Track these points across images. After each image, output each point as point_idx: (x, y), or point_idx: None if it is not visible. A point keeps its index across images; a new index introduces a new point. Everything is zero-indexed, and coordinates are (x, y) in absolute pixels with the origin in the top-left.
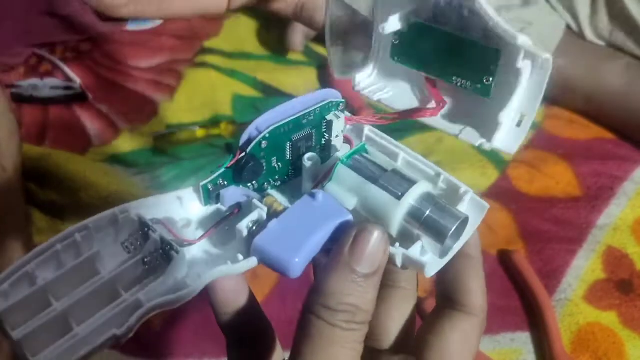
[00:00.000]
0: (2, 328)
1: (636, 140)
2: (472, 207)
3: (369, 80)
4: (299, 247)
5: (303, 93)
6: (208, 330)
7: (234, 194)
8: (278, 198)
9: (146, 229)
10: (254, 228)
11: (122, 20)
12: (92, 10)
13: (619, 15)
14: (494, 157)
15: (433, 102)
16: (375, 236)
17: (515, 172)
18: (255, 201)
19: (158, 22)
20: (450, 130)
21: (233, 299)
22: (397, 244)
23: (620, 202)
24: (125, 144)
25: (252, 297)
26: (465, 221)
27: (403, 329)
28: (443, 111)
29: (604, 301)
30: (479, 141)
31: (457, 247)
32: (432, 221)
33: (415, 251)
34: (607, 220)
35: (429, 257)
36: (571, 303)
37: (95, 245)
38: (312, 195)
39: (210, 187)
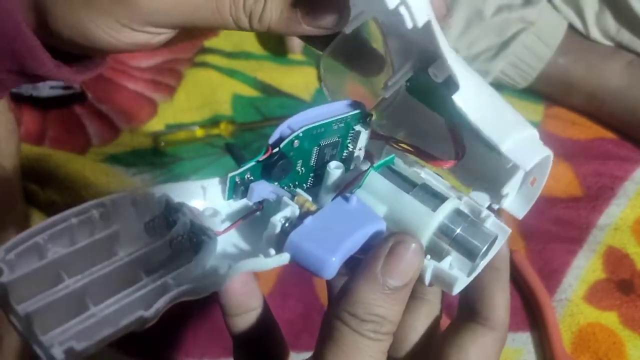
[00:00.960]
0: (6, 302)
1: (637, 139)
2: (494, 229)
3: (382, 121)
4: (336, 246)
5: (303, 93)
6: (207, 331)
7: (263, 189)
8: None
9: (175, 212)
10: (286, 225)
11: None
12: None
13: (625, 15)
14: None
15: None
16: (412, 249)
17: None
18: (286, 199)
19: None
20: (460, 181)
21: (244, 301)
22: (429, 256)
23: (621, 202)
24: (125, 144)
25: (263, 301)
26: (494, 240)
27: (424, 340)
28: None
29: (605, 301)
30: (487, 202)
31: (482, 265)
32: (463, 239)
33: (445, 265)
34: (608, 220)
35: (457, 273)
36: (571, 303)
37: (113, 224)
38: (346, 199)
39: (237, 180)
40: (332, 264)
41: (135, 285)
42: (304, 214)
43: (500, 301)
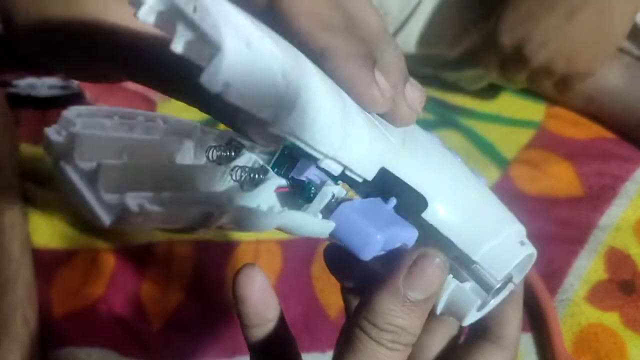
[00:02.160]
0: (70, 154)
1: (637, 139)
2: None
3: None
4: (383, 227)
5: None
6: (208, 332)
7: (312, 170)
8: None
9: (238, 144)
10: (333, 200)
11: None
12: None
13: None
14: (495, 156)
15: None
16: (436, 263)
17: (516, 171)
18: (330, 182)
19: None
20: None
21: (262, 311)
22: (451, 275)
23: (622, 202)
24: None
25: (280, 311)
26: (509, 279)
27: (441, 356)
28: None
29: (606, 302)
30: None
31: (494, 303)
32: (479, 271)
33: (467, 287)
34: (609, 220)
35: (475, 298)
36: (573, 304)
37: (175, 142)
38: (385, 200)
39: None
40: (376, 242)
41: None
42: (347, 199)
43: (512, 320)
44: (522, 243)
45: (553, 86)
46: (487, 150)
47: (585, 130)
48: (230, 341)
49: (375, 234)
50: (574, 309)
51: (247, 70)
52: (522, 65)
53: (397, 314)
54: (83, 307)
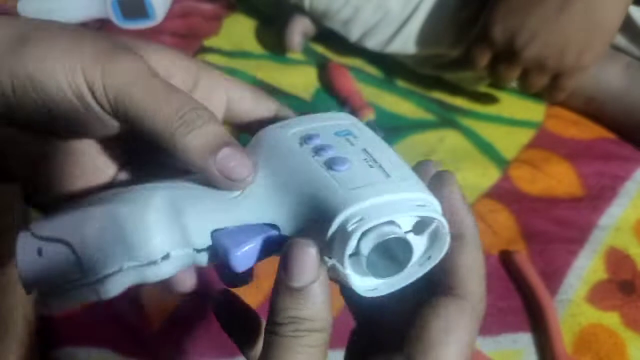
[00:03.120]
0: None
1: (637, 140)
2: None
3: None
4: (245, 240)
5: (303, 92)
6: (207, 332)
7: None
8: None
9: None
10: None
11: None
12: None
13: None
14: (495, 156)
15: None
16: (304, 251)
17: (516, 172)
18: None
19: (157, 21)
20: None
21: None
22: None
23: (622, 202)
24: None
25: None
26: (403, 242)
27: (410, 318)
28: None
29: (606, 302)
30: None
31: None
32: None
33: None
34: (609, 220)
35: (351, 272)
36: (573, 304)
37: None
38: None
39: None
40: (235, 257)
41: None
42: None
43: (464, 268)
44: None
45: (547, 87)
46: (487, 150)
47: (586, 130)
48: (231, 341)
49: (234, 250)
50: (574, 309)
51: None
52: (513, 59)
53: (289, 305)
54: (82, 306)
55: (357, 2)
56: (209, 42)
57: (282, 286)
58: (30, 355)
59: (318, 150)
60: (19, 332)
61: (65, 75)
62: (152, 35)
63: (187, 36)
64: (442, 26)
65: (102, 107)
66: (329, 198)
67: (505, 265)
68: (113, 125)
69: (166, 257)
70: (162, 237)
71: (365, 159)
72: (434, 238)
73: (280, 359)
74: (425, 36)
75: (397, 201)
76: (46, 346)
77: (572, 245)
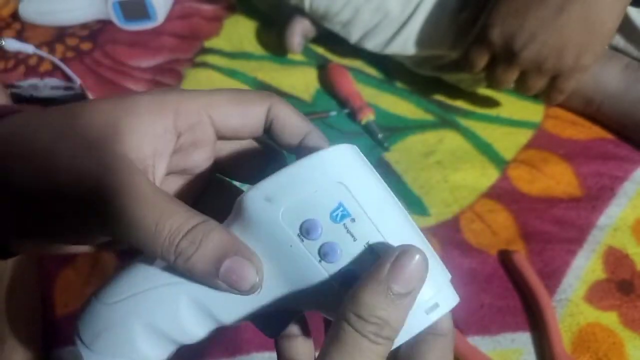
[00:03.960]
0: None
1: (635, 141)
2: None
3: None
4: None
5: (303, 93)
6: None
7: None
8: None
9: None
10: None
11: None
12: None
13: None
14: (494, 157)
15: None
16: (417, 260)
17: (515, 172)
18: None
19: (158, 22)
20: None
21: None
22: None
23: (621, 202)
24: None
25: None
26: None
27: None
28: None
29: (605, 301)
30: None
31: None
32: None
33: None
34: (608, 220)
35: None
36: (571, 303)
37: None
38: None
39: None
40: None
41: None
42: None
43: None
44: (432, 309)
45: (545, 89)
46: (486, 150)
47: (584, 130)
48: (231, 341)
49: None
50: (573, 308)
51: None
52: (511, 60)
53: (380, 305)
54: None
55: (357, 3)
56: (209, 43)
57: (380, 285)
58: (34, 354)
59: (325, 255)
60: (23, 332)
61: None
62: (152, 36)
63: (188, 37)
64: (441, 28)
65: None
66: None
67: (504, 265)
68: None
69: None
70: (198, 329)
71: (371, 263)
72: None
73: (350, 356)
74: (425, 37)
75: (417, 320)
76: (48, 346)
77: (571, 245)
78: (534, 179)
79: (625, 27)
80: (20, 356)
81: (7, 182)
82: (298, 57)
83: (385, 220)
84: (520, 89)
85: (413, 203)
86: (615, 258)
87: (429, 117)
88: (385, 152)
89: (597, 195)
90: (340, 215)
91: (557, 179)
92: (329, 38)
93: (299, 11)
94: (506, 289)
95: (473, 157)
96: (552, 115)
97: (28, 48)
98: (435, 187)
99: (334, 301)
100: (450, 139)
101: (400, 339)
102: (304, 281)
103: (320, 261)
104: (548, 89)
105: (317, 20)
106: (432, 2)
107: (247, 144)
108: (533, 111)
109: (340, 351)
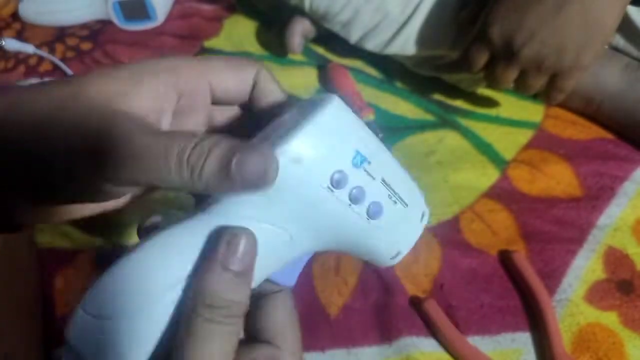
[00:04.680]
0: None
1: (635, 141)
2: None
3: None
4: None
5: (303, 93)
6: None
7: None
8: None
9: None
10: None
11: None
12: None
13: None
14: (494, 157)
15: None
16: (244, 238)
17: (515, 172)
18: None
19: (158, 22)
20: None
21: None
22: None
23: (621, 202)
24: None
25: None
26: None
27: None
28: None
29: (605, 301)
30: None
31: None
32: None
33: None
34: (608, 220)
35: None
36: (571, 303)
37: None
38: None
39: None
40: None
41: None
42: None
43: (276, 317)
44: (422, 217)
45: (545, 88)
46: (486, 150)
47: (584, 130)
48: None
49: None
50: (573, 308)
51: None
52: (511, 59)
53: (225, 287)
54: None
55: (357, 3)
56: (209, 43)
57: (219, 271)
58: (35, 353)
59: (354, 199)
60: (25, 331)
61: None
62: (152, 36)
63: (188, 37)
64: (441, 28)
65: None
66: (378, 253)
67: (504, 265)
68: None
69: None
70: None
71: (389, 195)
72: None
73: (204, 345)
74: (425, 38)
75: (416, 228)
76: (49, 345)
77: (571, 245)
78: (534, 179)
79: (625, 26)
80: (22, 355)
81: (11, 147)
82: (298, 57)
83: (386, 157)
84: (520, 88)
85: None
86: (615, 258)
87: (429, 117)
88: None
89: (597, 195)
90: (360, 160)
91: (557, 178)
92: (329, 38)
93: (299, 11)
94: (506, 289)
95: (473, 157)
96: (552, 115)
97: (28, 48)
98: (435, 187)
99: (363, 236)
100: (450, 139)
101: (404, 250)
102: (337, 227)
103: (350, 205)
104: (548, 89)
105: (317, 20)
106: (432, 3)
107: (234, 110)
108: (533, 111)
109: (191, 342)
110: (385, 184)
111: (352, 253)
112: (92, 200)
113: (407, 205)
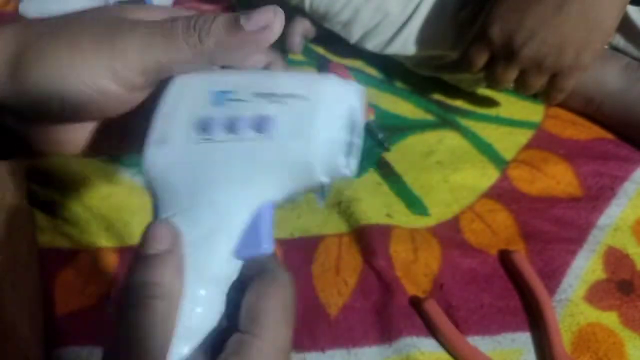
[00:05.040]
0: None
1: (635, 141)
2: None
3: None
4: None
5: None
6: None
7: None
8: None
9: None
10: None
11: None
12: None
13: (621, 21)
14: (494, 157)
15: None
16: (161, 225)
17: (515, 172)
18: None
19: None
20: None
21: None
22: None
23: (621, 202)
24: None
25: None
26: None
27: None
28: None
29: (605, 301)
30: None
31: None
32: None
33: None
34: (608, 220)
35: None
36: (571, 303)
37: None
38: None
39: None
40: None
41: None
42: None
43: (263, 309)
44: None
45: (545, 88)
46: (486, 150)
47: (584, 130)
48: None
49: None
50: (573, 308)
51: None
52: (511, 59)
53: (143, 273)
54: (86, 306)
55: (357, 3)
56: None
57: (137, 259)
58: (35, 353)
59: (231, 128)
60: (25, 331)
61: (85, 80)
62: None
63: None
64: (441, 28)
65: (129, 87)
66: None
67: (504, 265)
68: (125, 103)
69: None
70: None
71: (272, 101)
72: None
73: (147, 329)
74: (425, 37)
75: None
76: (49, 345)
77: (571, 245)
78: (534, 179)
79: (625, 26)
80: (22, 355)
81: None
82: (298, 57)
83: (251, 74)
84: (520, 88)
85: (413, 203)
86: (615, 258)
87: (429, 117)
88: (385, 152)
89: (597, 195)
90: (218, 97)
91: (557, 178)
92: (329, 38)
93: (299, 11)
94: (506, 289)
95: (473, 157)
96: (552, 115)
97: None
98: (435, 187)
99: (271, 155)
100: (450, 139)
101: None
102: (240, 165)
103: (234, 136)
104: (548, 88)
105: (317, 20)
106: (432, 2)
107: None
108: (533, 111)
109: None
110: (261, 94)
111: (290, 187)
112: (91, 113)
113: (307, 98)
